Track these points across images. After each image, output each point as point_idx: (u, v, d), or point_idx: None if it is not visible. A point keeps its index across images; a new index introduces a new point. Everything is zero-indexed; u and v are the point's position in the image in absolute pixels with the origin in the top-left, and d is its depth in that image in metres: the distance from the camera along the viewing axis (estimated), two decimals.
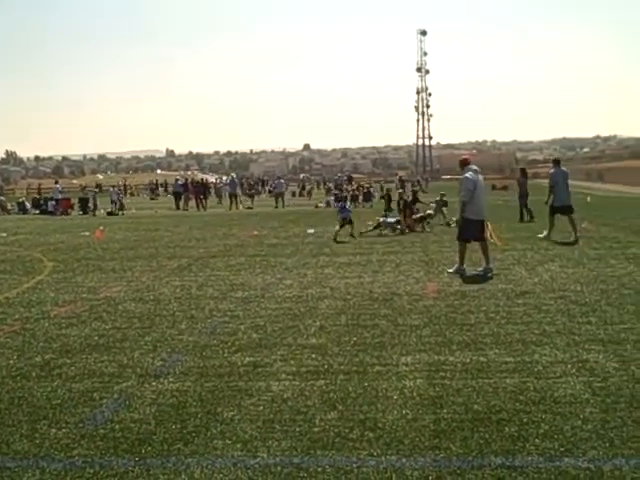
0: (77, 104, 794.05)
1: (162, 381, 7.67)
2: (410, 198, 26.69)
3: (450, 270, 14.64)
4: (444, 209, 27.54)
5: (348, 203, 23.59)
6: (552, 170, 20.44)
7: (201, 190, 48.44)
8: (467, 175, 14.66)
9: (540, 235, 20.56)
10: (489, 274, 14.06)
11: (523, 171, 28.02)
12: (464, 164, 15.13)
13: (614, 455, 5.46)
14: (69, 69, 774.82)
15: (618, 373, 7.42)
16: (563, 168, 20.51)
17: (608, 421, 6.13)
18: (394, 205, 27.64)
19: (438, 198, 28.08)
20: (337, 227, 23.03)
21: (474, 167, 14.89)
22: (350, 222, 23.21)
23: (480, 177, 14.87)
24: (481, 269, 14.47)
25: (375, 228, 24.04)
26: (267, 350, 8.78)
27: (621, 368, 7.59)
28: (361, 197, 47.48)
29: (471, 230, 14.65)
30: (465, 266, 14.61)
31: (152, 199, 71.42)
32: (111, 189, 50.01)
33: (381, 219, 24.90)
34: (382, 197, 27.21)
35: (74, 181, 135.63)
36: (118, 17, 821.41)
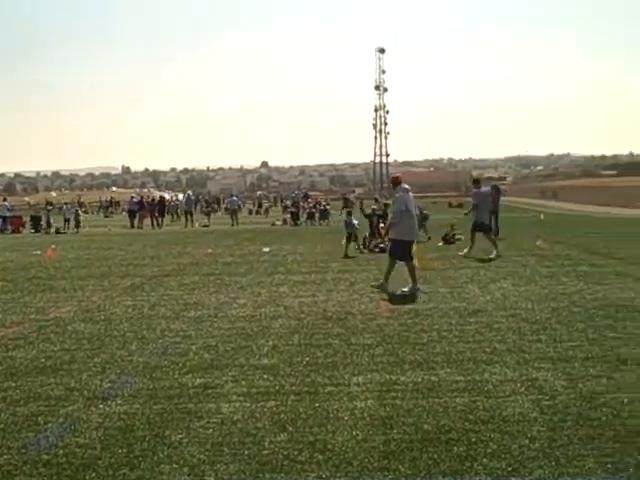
0: (30, 120, 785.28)
1: (110, 404, 7.54)
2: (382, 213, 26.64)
3: (404, 289, 14.40)
4: (426, 223, 27.64)
5: (353, 218, 23.58)
6: (474, 190, 21.62)
7: (156, 208, 48.08)
8: (397, 195, 14.63)
9: (461, 253, 21.06)
10: (416, 294, 13.91)
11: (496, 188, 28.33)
12: (396, 183, 15.05)
13: (560, 474, 5.49)
14: (21, 83, 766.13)
15: (566, 391, 7.48)
16: (484, 188, 21.97)
17: (555, 440, 6.16)
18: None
19: (418, 212, 28.22)
20: (343, 241, 23.20)
21: (405, 186, 14.74)
22: (355, 237, 23.39)
23: (411, 196, 14.77)
24: (406, 289, 14.27)
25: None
26: (218, 371, 8.69)
27: (569, 386, 7.66)
28: (317, 215, 47.56)
29: (399, 250, 14.53)
30: (392, 288, 14.45)
31: (106, 217, 70.74)
32: (64, 207, 49.36)
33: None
34: (367, 216, 26.95)
35: (25, 198, 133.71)
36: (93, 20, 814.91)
